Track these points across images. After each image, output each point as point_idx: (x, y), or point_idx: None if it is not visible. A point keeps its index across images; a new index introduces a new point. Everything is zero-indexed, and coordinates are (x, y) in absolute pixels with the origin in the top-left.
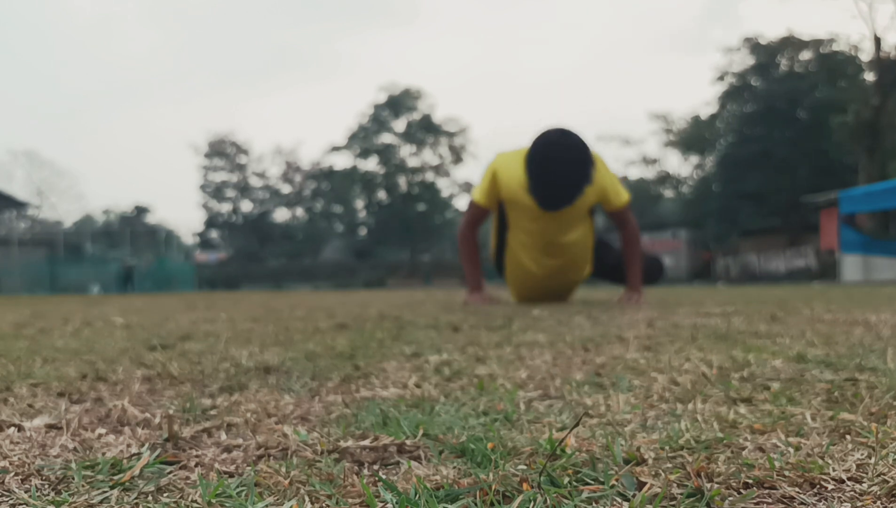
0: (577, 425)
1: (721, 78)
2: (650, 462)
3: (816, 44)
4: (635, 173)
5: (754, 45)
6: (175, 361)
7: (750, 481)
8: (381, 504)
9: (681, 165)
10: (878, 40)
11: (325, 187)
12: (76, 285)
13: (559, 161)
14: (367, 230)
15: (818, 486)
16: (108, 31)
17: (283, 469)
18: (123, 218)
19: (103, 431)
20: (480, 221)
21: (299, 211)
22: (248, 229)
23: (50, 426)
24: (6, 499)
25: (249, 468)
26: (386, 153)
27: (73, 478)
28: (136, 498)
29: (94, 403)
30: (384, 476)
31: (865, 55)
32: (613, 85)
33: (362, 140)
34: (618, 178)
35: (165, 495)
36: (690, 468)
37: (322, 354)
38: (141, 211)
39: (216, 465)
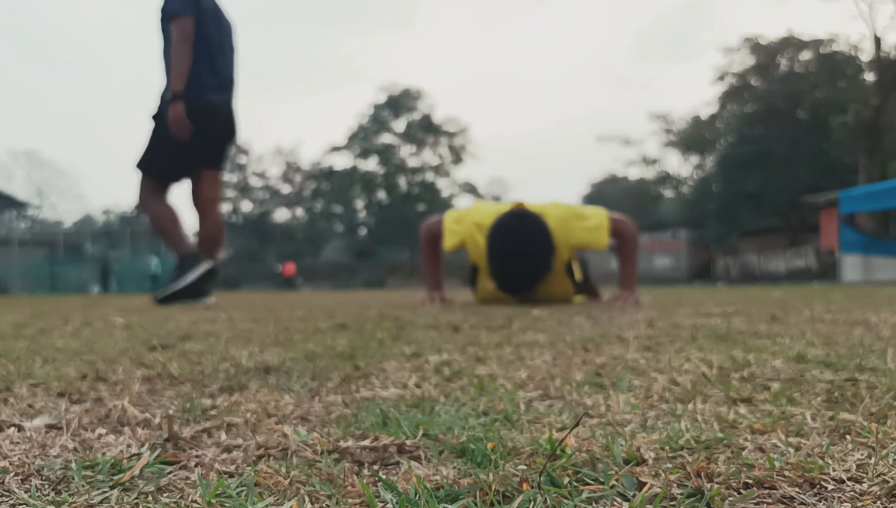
0: (577, 425)
1: (721, 78)
2: (650, 462)
3: (816, 44)
4: (635, 173)
5: (754, 46)
6: (175, 361)
7: (750, 481)
8: (381, 504)
9: (681, 165)
10: (878, 40)
11: (325, 188)
12: (76, 285)
13: (516, 254)
14: (367, 230)
15: (818, 486)
16: (110, 32)
17: (283, 469)
18: (123, 218)
19: (103, 431)
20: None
21: (299, 211)
22: (248, 230)
23: (50, 426)
24: (6, 499)
25: (249, 468)
26: (386, 153)
27: (73, 478)
28: (136, 498)
29: (94, 403)
30: (384, 476)
31: (865, 55)
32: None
33: (362, 140)
34: (591, 212)
35: (165, 495)
36: (690, 468)
37: (322, 354)
38: (141, 211)
39: (216, 465)
